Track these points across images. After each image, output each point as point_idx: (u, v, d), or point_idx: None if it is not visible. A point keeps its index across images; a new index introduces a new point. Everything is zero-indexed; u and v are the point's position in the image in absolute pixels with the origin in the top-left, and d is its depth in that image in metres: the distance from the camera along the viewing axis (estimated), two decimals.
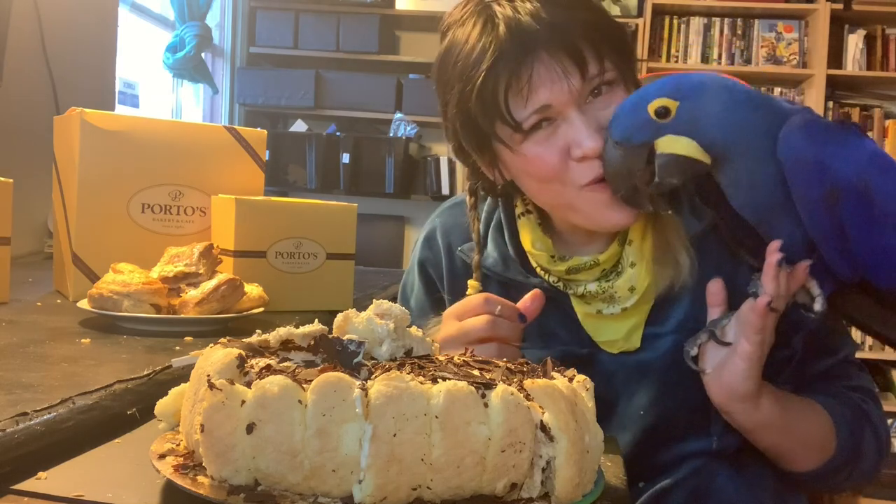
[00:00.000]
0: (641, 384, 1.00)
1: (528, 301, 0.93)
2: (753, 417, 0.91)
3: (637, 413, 1.00)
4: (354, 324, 0.68)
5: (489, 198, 1.10)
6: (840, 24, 3.82)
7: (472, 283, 1.04)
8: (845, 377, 1.03)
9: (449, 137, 1.01)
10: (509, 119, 0.90)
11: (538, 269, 1.03)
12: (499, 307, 0.90)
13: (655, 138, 0.84)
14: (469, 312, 0.91)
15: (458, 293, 1.05)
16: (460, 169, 4.00)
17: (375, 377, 0.55)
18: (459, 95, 0.93)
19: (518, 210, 1.06)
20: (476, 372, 0.64)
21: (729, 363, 0.88)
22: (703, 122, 0.83)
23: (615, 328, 1.00)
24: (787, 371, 1.01)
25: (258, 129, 1.49)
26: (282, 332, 0.68)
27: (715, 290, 0.91)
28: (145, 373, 0.83)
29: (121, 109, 2.96)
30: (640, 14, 3.87)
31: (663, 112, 0.83)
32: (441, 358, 0.69)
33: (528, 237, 1.03)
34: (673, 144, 0.84)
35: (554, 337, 1.03)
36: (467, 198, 1.10)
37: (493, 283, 1.06)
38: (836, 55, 3.82)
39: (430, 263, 1.13)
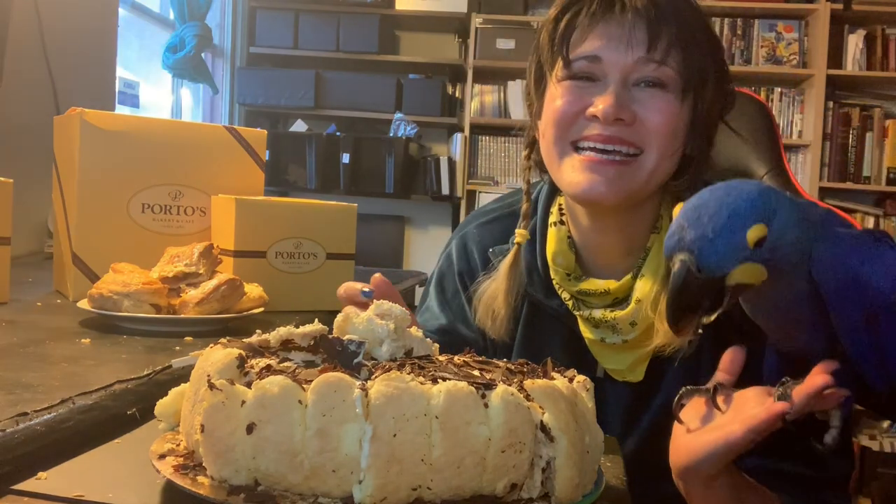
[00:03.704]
0: (628, 431, 1.01)
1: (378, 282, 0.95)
2: (702, 495, 0.81)
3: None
4: (354, 324, 0.68)
5: (528, 213, 1.08)
6: (840, 24, 3.81)
7: (519, 231, 1.04)
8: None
9: (527, 77, 1.06)
10: (563, 50, 0.95)
11: (555, 283, 1.04)
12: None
13: (738, 266, 0.73)
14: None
15: None
16: (460, 169, 4.00)
17: (375, 377, 0.55)
18: (542, 26, 1.01)
19: (552, 218, 1.06)
20: (476, 372, 0.64)
21: (707, 435, 0.77)
22: (782, 252, 0.74)
23: (618, 358, 1.01)
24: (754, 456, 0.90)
25: (258, 129, 1.49)
26: (282, 332, 0.68)
27: (731, 357, 0.83)
28: (145, 373, 0.83)
29: (121, 109, 2.95)
30: None
31: (761, 242, 0.73)
32: (441, 358, 0.69)
33: (553, 247, 1.04)
34: (747, 273, 0.73)
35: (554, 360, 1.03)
36: (524, 151, 1.09)
37: (528, 303, 1.06)
38: (836, 55, 3.82)
39: (468, 276, 1.12)
